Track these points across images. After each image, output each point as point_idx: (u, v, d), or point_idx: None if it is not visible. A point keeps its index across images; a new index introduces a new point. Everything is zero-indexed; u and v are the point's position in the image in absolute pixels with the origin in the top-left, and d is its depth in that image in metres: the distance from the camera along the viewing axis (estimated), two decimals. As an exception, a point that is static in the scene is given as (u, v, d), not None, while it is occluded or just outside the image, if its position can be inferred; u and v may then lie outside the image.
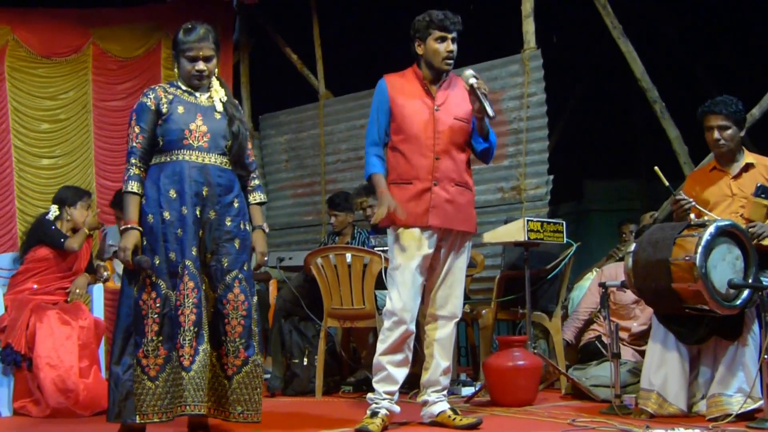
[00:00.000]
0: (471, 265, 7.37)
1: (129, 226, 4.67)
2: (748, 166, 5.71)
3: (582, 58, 13.34)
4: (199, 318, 4.62)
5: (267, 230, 5.04)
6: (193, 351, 4.58)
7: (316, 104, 10.95)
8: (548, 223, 6.58)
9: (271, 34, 11.48)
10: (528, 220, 6.40)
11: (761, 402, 5.06)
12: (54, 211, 6.80)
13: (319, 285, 6.82)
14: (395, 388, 5.20)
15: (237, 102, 5.08)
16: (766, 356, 4.95)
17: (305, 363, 7.02)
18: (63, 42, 9.68)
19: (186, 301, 4.59)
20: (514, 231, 6.45)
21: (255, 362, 4.72)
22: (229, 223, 4.79)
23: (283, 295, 7.43)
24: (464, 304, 6.56)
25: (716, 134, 5.67)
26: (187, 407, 4.59)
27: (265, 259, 5.00)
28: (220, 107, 4.90)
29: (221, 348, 4.70)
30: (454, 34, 5.22)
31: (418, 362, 5.69)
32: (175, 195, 4.70)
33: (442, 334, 5.30)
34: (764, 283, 5.20)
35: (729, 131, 5.66)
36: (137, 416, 4.55)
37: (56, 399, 6.08)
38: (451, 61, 5.23)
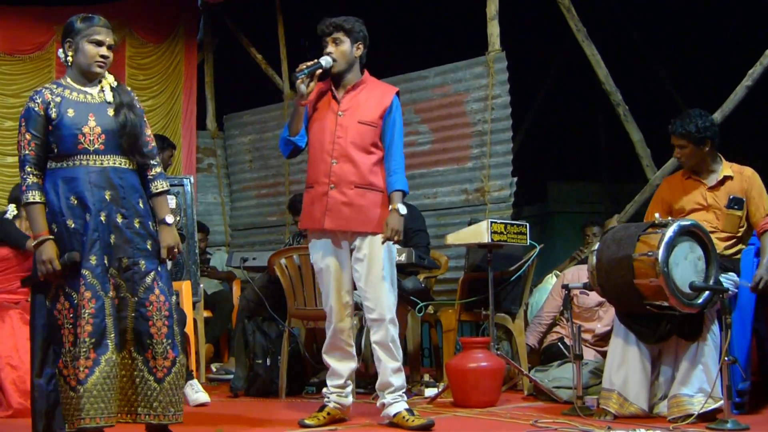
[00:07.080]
0: (435, 266, 7.40)
1: (42, 237, 4.48)
2: (725, 179, 5.76)
3: (546, 61, 13.40)
4: (98, 328, 4.43)
5: (170, 222, 4.74)
6: (91, 362, 4.40)
7: (280, 104, 10.95)
8: (512, 224, 6.60)
9: (235, 34, 11.45)
10: (492, 222, 6.41)
11: (721, 402, 5.10)
12: (12, 210, 6.66)
13: (282, 285, 6.80)
14: (341, 381, 5.37)
15: (128, 88, 4.85)
16: (726, 358, 4.99)
17: (268, 363, 6.99)
18: (26, 39, 9.64)
19: (83, 312, 4.42)
20: (478, 233, 6.46)
21: (181, 362, 4.61)
22: (138, 225, 4.61)
23: (247, 295, 7.41)
24: (428, 305, 6.59)
25: (677, 152, 5.81)
26: (82, 420, 4.37)
27: (175, 251, 4.72)
28: (110, 97, 4.67)
29: (148, 351, 4.54)
30: (335, 35, 5.30)
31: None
32: (76, 202, 4.51)
33: (378, 337, 5.31)
34: (724, 285, 5.25)
35: (686, 150, 5.74)
36: (66, 425, 4.43)
37: (17, 400, 5.99)
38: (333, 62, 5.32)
